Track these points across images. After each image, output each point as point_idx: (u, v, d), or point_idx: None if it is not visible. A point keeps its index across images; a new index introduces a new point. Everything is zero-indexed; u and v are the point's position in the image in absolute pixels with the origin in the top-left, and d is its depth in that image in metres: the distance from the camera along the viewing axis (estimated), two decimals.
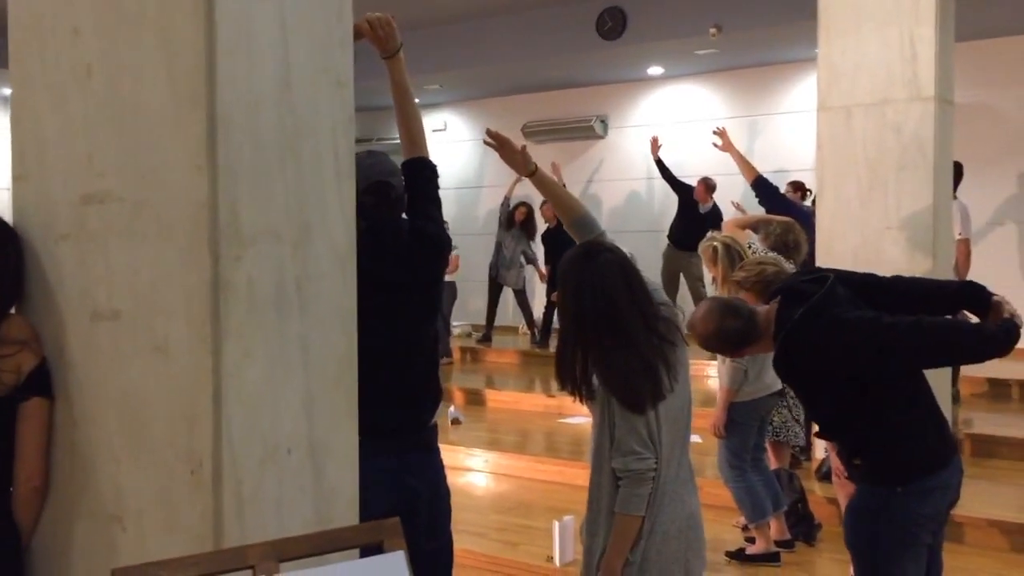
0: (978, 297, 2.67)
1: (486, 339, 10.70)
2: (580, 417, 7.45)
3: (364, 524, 1.82)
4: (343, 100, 2.09)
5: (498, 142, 2.73)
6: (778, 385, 4.50)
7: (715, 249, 4.42)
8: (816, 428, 3.99)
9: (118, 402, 1.97)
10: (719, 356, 4.55)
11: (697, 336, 2.83)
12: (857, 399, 2.63)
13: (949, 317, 2.59)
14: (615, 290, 2.34)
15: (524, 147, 2.73)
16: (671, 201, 9.94)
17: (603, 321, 2.34)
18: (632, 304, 2.35)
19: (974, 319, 2.68)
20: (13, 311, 2.09)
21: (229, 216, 1.85)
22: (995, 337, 2.49)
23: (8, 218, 2.17)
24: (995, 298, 2.64)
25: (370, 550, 1.67)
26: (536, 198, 10.35)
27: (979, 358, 2.55)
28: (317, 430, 2.05)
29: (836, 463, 3.90)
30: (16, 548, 2.06)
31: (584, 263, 2.40)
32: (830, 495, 5.01)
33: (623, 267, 2.40)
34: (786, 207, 5.90)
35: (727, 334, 2.75)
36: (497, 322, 10.83)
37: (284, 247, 1.97)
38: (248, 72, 1.88)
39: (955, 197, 6.87)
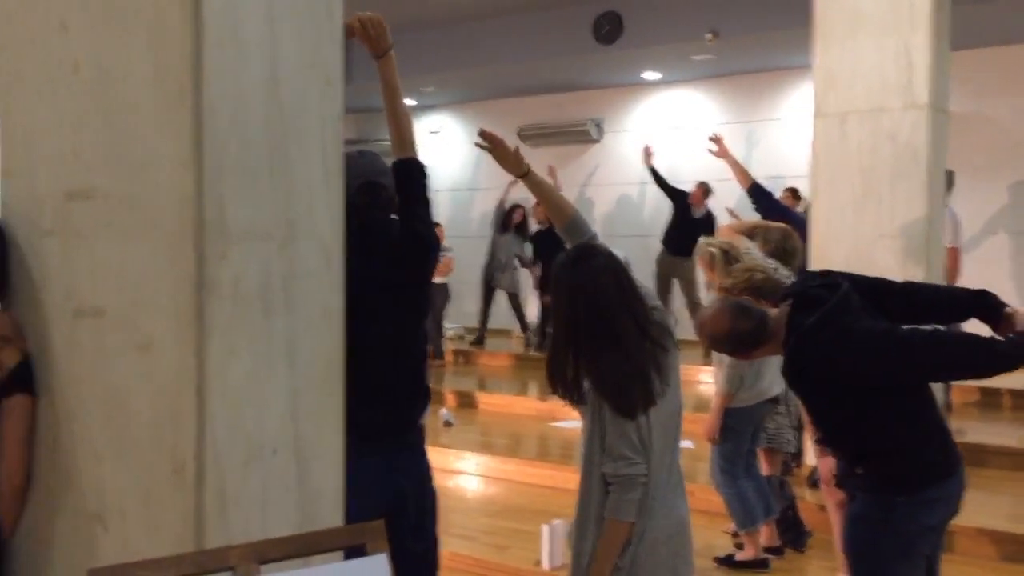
0: (991, 307, 2.64)
1: (479, 342, 10.68)
2: (572, 421, 7.43)
3: (347, 526, 1.81)
4: (332, 97, 2.07)
5: (491, 143, 2.72)
6: (773, 392, 4.49)
7: (712, 254, 4.41)
8: (811, 435, 3.99)
9: (102, 400, 1.95)
10: (715, 361, 4.54)
11: (707, 336, 2.79)
12: (864, 408, 2.61)
13: (962, 331, 2.56)
14: (607, 294, 2.33)
15: (517, 148, 2.72)
16: (663, 206, 9.94)
17: (595, 325, 2.32)
18: (624, 308, 2.34)
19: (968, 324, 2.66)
20: None
21: (215, 213, 1.83)
22: (1008, 355, 2.47)
23: None
24: (1007, 310, 2.62)
25: (354, 551, 1.66)
26: (531, 201, 10.36)
27: (990, 374, 2.53)
28: (302, 430, 2.03)
29: (825, 470, 3.89)
30: None
31: (577, 266, 2.39)
32: (821, 502, 5.00)
33: (616, 270, 2.38)
34: (782, 213, 5.89)
35: (739, 335, 2.72)
36: (490, 325, 10.82)
37: (271, 245, 1.95)
38: (236, 68, 1.86)
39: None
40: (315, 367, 2.05)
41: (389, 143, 2.73)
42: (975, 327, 2.70)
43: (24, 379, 2.03)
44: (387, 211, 2.66)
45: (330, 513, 2.09)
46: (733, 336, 2.73)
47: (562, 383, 2.41)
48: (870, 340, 2.53)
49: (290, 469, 2.01)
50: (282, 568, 1.56)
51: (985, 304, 2.66)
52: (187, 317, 1.83)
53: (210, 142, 1.81)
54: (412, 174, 2.68)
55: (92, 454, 1.97)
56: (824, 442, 2.97)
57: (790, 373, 2.69)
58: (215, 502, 1.85)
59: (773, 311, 2.74)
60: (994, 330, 2.63)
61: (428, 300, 2.74)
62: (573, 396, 2.40)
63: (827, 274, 2.81)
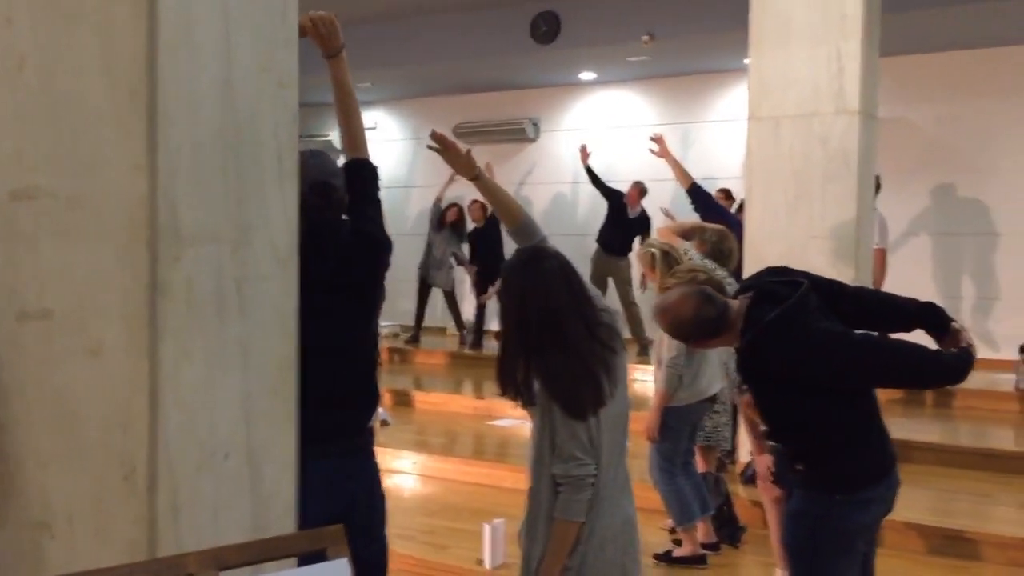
0: (938, 320, 2.73)
1: (414, 340, 10.65)
2: (509, 419, 7.47)
3: (306, 531, 1.80)
4: (286, 100, 2.06)
5: (442, 145, 2.72)
6: (712, 391, 4.57)
7: (653, 256, 4.48)
8: (751, 430, 4.08)
9: (48, 404, 1.91)
10: (655, 361, 4.61)
11: (668, 319, 2.78)
12: (813, 406, 2.67)
13: (909, 341, 2.64)
14: (558, 296, 2.36)
15: (469, 151, 2.73)
16: (599, 205, 10.04)
17: (546, 327, 2.35)
18: (575, 310, 2.37)
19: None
20: None
21: (168, 216, 1.81)
22: (954, 368, 2.58)
23: None
24: (954, 325, 2.71)
25: (309, 557, 1.65)
26: (467, 199, 10.37)
27: (936, 385, 2.65)
28: (255, 434, 2.02)
29: (762, 467, 3.98)
30: None
31: (527, 268, 2.41)
32: (755, 498, 5.11)
33: (566, 273, 2.41)
34: (720, 214, 6.00)
35: (702, 322, 2.72)
36: (426, 323, 10.80)
37: (224, 248, 1.94)
38: (190, 69, 1.84)
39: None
40: (268, 371, 2.04)
41: (330, 139, 2.72)
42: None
43: None
44: (338, 211, 2.64)
45: (283, 518, 2.08)
46: (696, 322, 2.73)
47: (512, 384, 2.43)
48: (826, 341, 2.60)
49: (243, 473, 1.99)
50: (240, 575, 1.55)
51: (933, 317, 2.74)
52: (139, 320, 1.80)
53: (164, 144, 1.79)
54: (363, 174, 2.67)
55: (37, 460, 1.93)
56: (771, 436, 3.03)
57: (745, 365, 2.74)
58: (168, 508, 1.83)
59: (732, 303, 2.78)
60: (939, 343, 2.72)
61: (379, 302, 2.73)
62: (523, 397, 2.43)
63: (787, 271, 2.86)
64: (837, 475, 2.71)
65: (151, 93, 1.77)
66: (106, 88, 1.82)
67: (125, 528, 1.81)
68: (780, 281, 2.74)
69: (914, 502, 5.16)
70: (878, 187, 6.89)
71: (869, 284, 5.92)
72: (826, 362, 2.59)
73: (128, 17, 1.78)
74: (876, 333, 2.82)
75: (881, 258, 7.23)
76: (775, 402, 2.77)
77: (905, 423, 6.93)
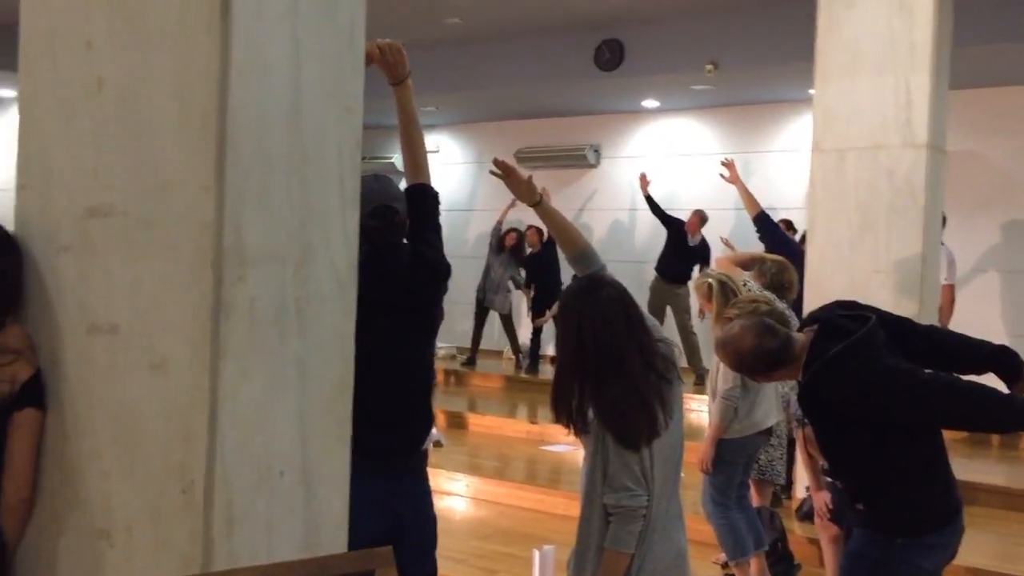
0: (1010, 365, 2.66)
1: (470, 362, 10.69)
2: (561, 445, 7.44)
3: (356, 552, 1.82)
4: (351, 126, 2.10)
5: (504, 171, 2.74)
6: (767, 423, 4.51)
7: (710, 286, 4.44)
8: (809, 466, 4.01)
9: (112, 416, 1.96)
10: (710, 392, 4.56)
11: (730, 352, 2.76)
12: (875, 444, 2.61)
13: (980, 383, 2.57)
14: (616, 325, 2.36)
15: (530, 177, 2.75)
16: (658, 233, 10.00)
17: (603, 356, 2.35)
18: (631, 340, 2.37)
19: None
20: (10, 321, 2.07)
21: (233, 236, 1.85)
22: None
23: (8, 225, 2.17)
24: None
25: None
26: (525, 224, 10.40)
27: (1005, 430, 2.57)
28: (310, 453, 2.04)
29: (820, 504, 3.91)
30: (3, 557, 2.04)
31: (586, 297, 2.41)
32: (810, 535, 5.02)
33: (624, 302, 2.41)
34: (785, 244, 5.94)
35: (763, 354, 2.68)
36: (482, 346, 10.84)
37: (286, 269, 1.98)
38: (260, 95, 1.89)
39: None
40: (325, 390, 2.07)
41: (392, 160, 2.77)
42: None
43: (35, 393, 2.04)
44: (399, 235, 2.68)
45: (334, 536, 2.10)
46: (757, 353, 2.69)
47: (566, 411, 2.43)
48: (892, 378, 2.54)
49: (296, 491, 2.02)
50: None
51: (1006, 361, 2.67)
52: (202, 337, 1.85)
53: (232, 167, 1.83)
54: (425, 199, 2.71)
55: (100, 470, 1.97)
56: (830, 473, 2.97)
57: (806, 399, 2.69)
58: (223, 522, 1.86)
59: (798, 335, 2.75)
60: (1009, 387, 2.65)
61: (436, 325, 2.76)
62: (577, 425, 2.43)
63: (856, 305, 2.81)
64: (899, 517, 2.64)
65: (221, 117, 1.82)
66: (179, 111, 1.87)
67: (181, 541, 1.85)
68: (848, 315, 2.69)
69: (978, 547, 5.01)
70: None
71: (934, 320, 5.79)
72: (890, 399, 2.53)
73: (203, 43, 1.83)
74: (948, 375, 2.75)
75: (949, 294, 7.08)
76: (836, 438, 2.72)
77: (970, 464, 6.74)
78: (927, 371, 2.60)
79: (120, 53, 1.96)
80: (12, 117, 12.37)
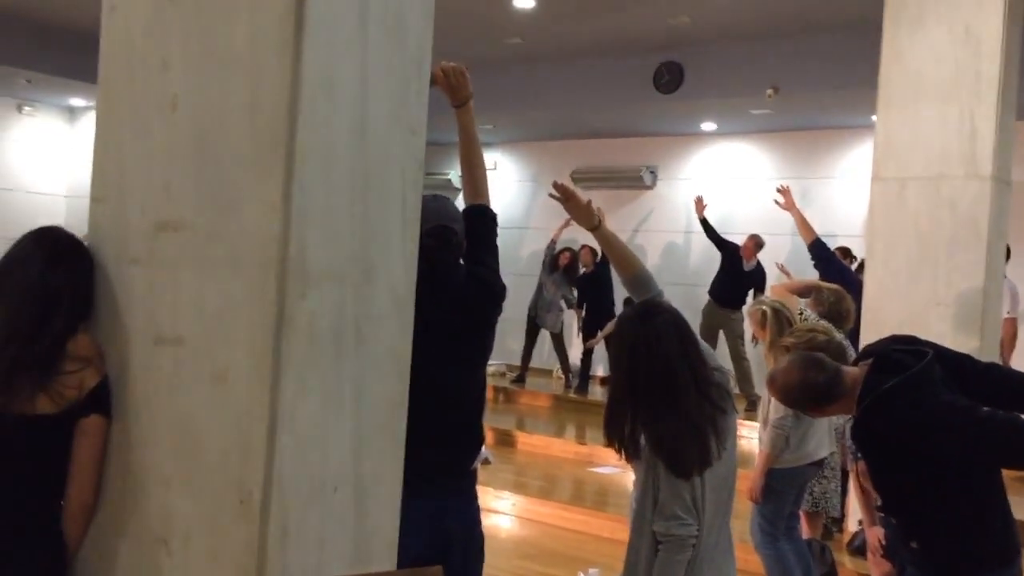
0: None
1: (520, 380, 10.70)
2: (610, 467, 7.41)
3: (407, 570, 1.84)
4: (414, 148, 2.14)
5: (564, 195, 2.76)
6: (820, 455, 4.45)
7: (764, 313, 4.40)
8: (863, 501, 3.94)
9: (174, 426, 2.01)
10: (761, 421, 4.52)
11: (778, 388, 2.73)
12: (930, 481, 2.57)
13: None
14: (670, 352, 2.36)
15: (589, 201, 2.76)
16: (712, 256, 9.94)
17: (656, 382, 2.35)
18: (686, 367, 2.36)
19: None
20: (80, 329, 2.14)
21: (298, 254, 1.90)
22: None
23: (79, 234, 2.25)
24: None
25: None
26: (579, 243, 10.41)
27: None
28: (363, 470, 2.07)
29: (873, 539, 3.84)
30: (63, 561, 2.10)
31: (642, 323, 2.42)
32: (861, 570, 4.93)
33: (679, 329, 2.41)
34: (840, 273, 5.86)
35: (811, 387, 2.65)
36: (532, 364, 10.84)
37: (347, 288, 2.01)
38: (328, 117, 1.93)
39: (1003, 276, 6.82)
40: (380, 408, 2.10)
41: (449, 177, 2.79)
42: None
43: (101, 401, 2.10)
44: (456, 256, 2.70)
45: (384, 553, 2.12)
46: (804, 388, 2.66)
47: (618, 436, 2.44)
48: (949, 414, 2.49)
49: (349, 507, 2.05)
50: None
51: None
52: (263, 352, 1.89)
53: (299, 187, 1.87)
54: (483, 221, 2.73)
55: (161, 479, 2.02)
56: (883, 509, 2.93)
57: (860, 433, 2.65)
58: (277, 535, 1.89)
59: (850, 369, 2.71)
60: None
61: (490, 346, 2.77)
62: (629, 450, 2.43)
63: (913, 340, 2.77)
64: (954, 557, 2.59)
65: (290, 137, 1.87)
66: (249, 130, 1.92)
67: (237, 551, 1.88)
68: (904, 350, 2.66)
69: None
70: (1008, 254, 6.63)
71: (996, 355, 5.67)
72: (947, 435, 2.49)
73: (275, 65, 1.88)
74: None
75: (1011, 328, 6.94)
76: (890, 474, 2.68)
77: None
78: (985, 408, 2.55)
79: (195, 73, 2.02)
80: (83, 126, 12.71)
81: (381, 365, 2.11)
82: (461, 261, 2.74)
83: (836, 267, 5.97)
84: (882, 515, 3.61)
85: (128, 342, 2.10)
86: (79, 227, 2.34)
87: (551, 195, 2.80)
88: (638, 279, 2.65)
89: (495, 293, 2.71)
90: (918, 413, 2.50)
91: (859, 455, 3.38)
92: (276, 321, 1.87)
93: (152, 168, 2.09)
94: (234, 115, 1.95)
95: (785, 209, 6.39)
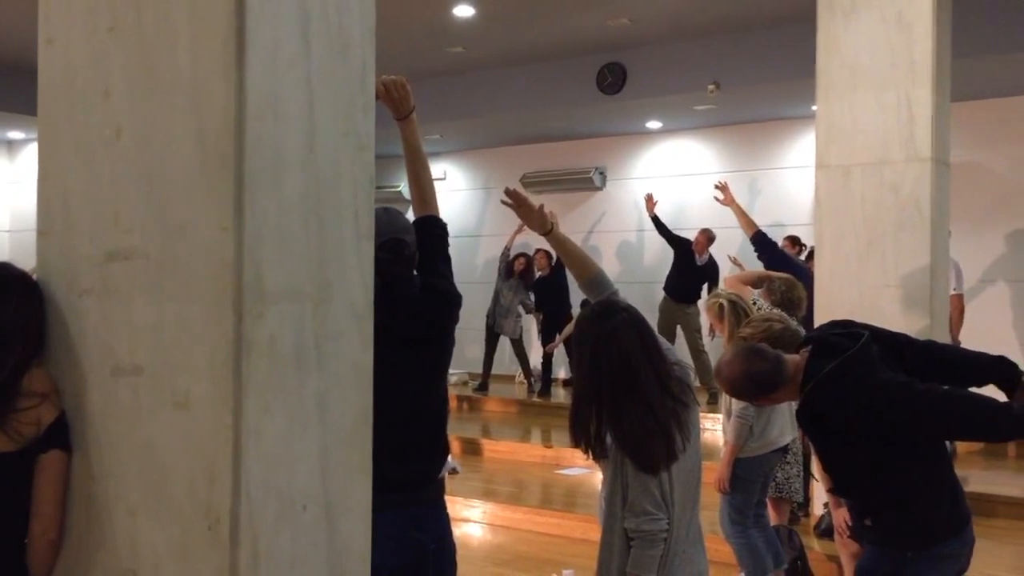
0: (1009, 375, 2.69)
1: (483, 388, 10.71)
2: (577, 468, 7.44)
3: None
4: (364, 162, 2.14)
5: (516, 201, 2.78)
6: (783, 441, 4.52)
7: (721, 306, 4.47)
8: (815, 484, 4.02)
9: (137, 457, 1.99)
10: (724, 411, 4.58)
11: (724, 380, 2.79)
12: (875, 459, 2.64)
13: (977, 392, 2.60)
14: (631, 349, 2.38)
15: (541, 206, 2.78)
16: (666, 253, 10.04)
17: (618, 381, 2.37)
18: (647, 364, 2.39)
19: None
20: (34, 365, 2.11)
21: (253, 275, 1.89)
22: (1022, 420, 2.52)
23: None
24: None
25: None
26: (533, 248, 10.45)
27: (1004, 438, 2.59)
28: (332, 486, 2.07)
29: (839, 521, 3.91)
30: None
31: (600, 322, 2.44)
32: (829, 552, 5.01)
33: (638, 326, 2.44)
34: (785, 263, 5.97)
35: (755, 377, 2.72)
36: (494, 371, 10.85)
37: (305, 305, 2.01)
38: (276, 137, 1.93)
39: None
40: (346, 423, 2.10)
41: (399, 189, 2.80)
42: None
43: (60, 435, 2.07)
44: (409, 267, 2.71)
45: (358, 568, 2.12)
46: (749, 378, 2.73)
47: (584, 437, 2.46)
48: (888, 391, 2.57)
49: (320, 525, 2.04)
50: None
51: (1004, 372, 2.69)
52: (224, 375, 1.88)
53: (250, 208, 1.87)
54: (434, 231, 2.75)
55: (126, 510, 2.00)
56: (835, 491, 3.00)
57: (805, 418, 2.72)
58: (248, 559, 1.88)
59: (792, 356, 2.77)
60: (1009, 397, 2.67)
61: (449, 355, 2.78)
62: (595, 450, 2.45)
63: (849, 324, 2.84)
64: (907, 530, 2.65)
65: (238, 159, 1.86)
66: (196, 155, 1.91)
67: None
68: (841, 333, 2.73)
69: (997, 559, 5.01)
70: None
71: (945, 332, 5.80)
72: (888, 413, 2.56)
73: (219, 88, 1.88)
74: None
75: (958, 304, 7.10)
76: (838, 455, 2.75)
77: (986, 476, 6.72)
78: (923, 384, 2.62)
79: (138, 101, 2.01)
80: (24, 158, 12.50)
81: (344, 381, 2.10)
82: (415, 272, 2.75)
83: (779, 257, 6.08)
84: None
85: (84, 374, 2.08)
86: (25, 261, 2.31)
87: (503, 201, 2.82)
88: (594, 280, 2.68)
89: (451, 302, 2.72)
90: (859, 393, 2.57)
91: None
92: (235, 344, 1.87)
93: (99, 198, 2.07)
94: (180, 140, 1.94)
95: (725, 204, 6.48)
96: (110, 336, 2.04)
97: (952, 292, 7.01)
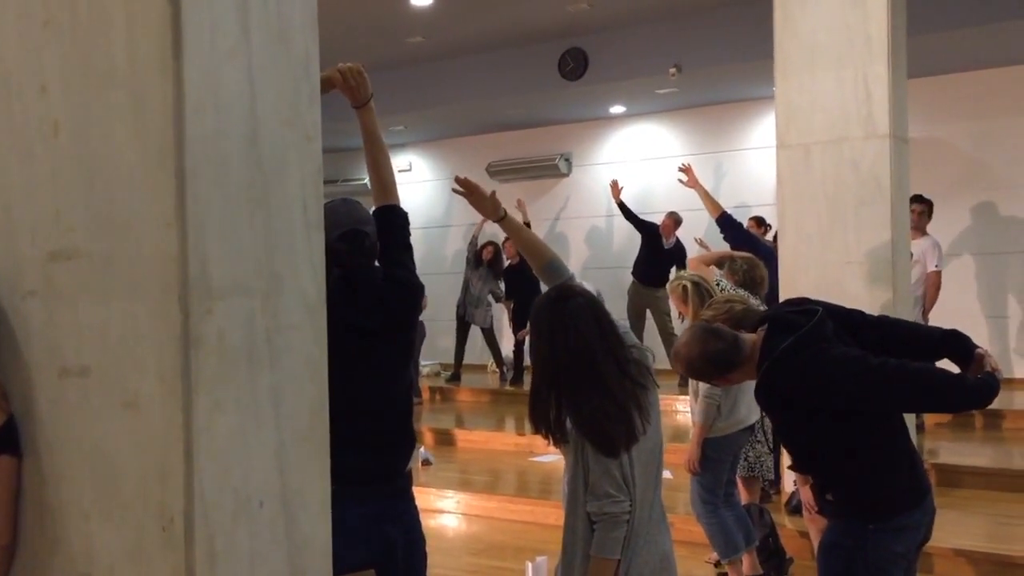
0: (962, 347, 2.71)
1: (455, 378, 10.69)
2: (551, 456, 7.45)
3: None
4: (311, 153, 2.11)
5: (467, 188, 2.76)
6: (751, 420, 4.54)
7: (685, 288, 4.48)
8: (787, 461, 4.04)
9: (88, 458, 1.95)
10: (692, 393, 4.59)
11: (682, 361, 2.80)
12: (834, 433, 2.66)
13: (931, 365, 2.63)
14: (587, 334, 2.38)
15: (493, 192, 2.77)
16: (634, 238, 10.05)
17: (576, 365, 2.36)
18: (604, 348, 2.39)
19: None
20: None
21: (199, 271, 1.86)
22: (976, 390, 2.55)
23: None
24: (978, 351, 2.69)
25: None
26: (502, 236, 10.43)
27: (958, 408, 2.61)
28: (289, 481, 2.04)
29: (807, 497, 3.93)
30: None
31: (556, 307, 2.43)
32: (800, 529, 5.05)
33: (595, 311, 2.43)
34: (750, 242, 6.00)
35: (711, 356, 2.72)
36: (465, 360, 10.84)
37: (254, 300, 1.98)
38: (217, 129, 1.89)
39: (926, 233, 7.10)
40: (300, 418, 2.07)
41: (360, 182, 2.78)
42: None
43: (9, 440, 2.04)
44: (370, 258, 2.69)
45: (318, 563, 2.09)
46: (706, 357, 2.74)
47: (544, 422, 2.45)
48: (842, 365, 2.58)
49: (277, 521, 2.02)
50: None
51: (956, 345, 2.72)
52: (173, 373, 1.84)
53: (193, 202, 1.83)
54: (394, 221, 2.72)
55: (80, 513, 1.97)
56: (796, 467, 3.02)
57: (763, 396, 2.74)
58: (205, 557, 1.85)
59: (748, 335, 2.78)
60: (963, 370, 2.70)
61: (412, 346, 2.76)
62: (556, 435, 2.44)
63: (804, 301, 2.86)
64: (867, 503, 2.68)
65: (179, 153, 1.83)
66: (136, 150, 1.87)
67: None
68: (795, 311, 2.75)
69: (964, 528, 5.06)
70: (931, 212, 6.99)
71: (910, 307, 5.85)
72: (843, 387, 2.58)
73: (156, 81, 1.84)
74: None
75: (936, 280, 7.18)
76: (797, 431, 2.77)
77: (954, 447, 6.81)
78: (877, 358, 2.64)
79: (75, 95, 1.96)
80: None
81: (297, 374, 2.08)
82: (376, 263, 2.72)
83: (743, 237, 6.11)
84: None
85: (31, 377, 2.04)
86: None
87: (454, 190, 2.81)
88: (549, 266, 2.67)
89: (414, 291, 2.70)
90: (814, 369, 2.58)
91: None
92: (183, 341, 1.83)
93: (39, 197, 2.03)
94: (119, 135, 1.90)
95: (689, 187, 6.51)
96: (56, 337, 2.00)
97: (932, 269, 7.10)
